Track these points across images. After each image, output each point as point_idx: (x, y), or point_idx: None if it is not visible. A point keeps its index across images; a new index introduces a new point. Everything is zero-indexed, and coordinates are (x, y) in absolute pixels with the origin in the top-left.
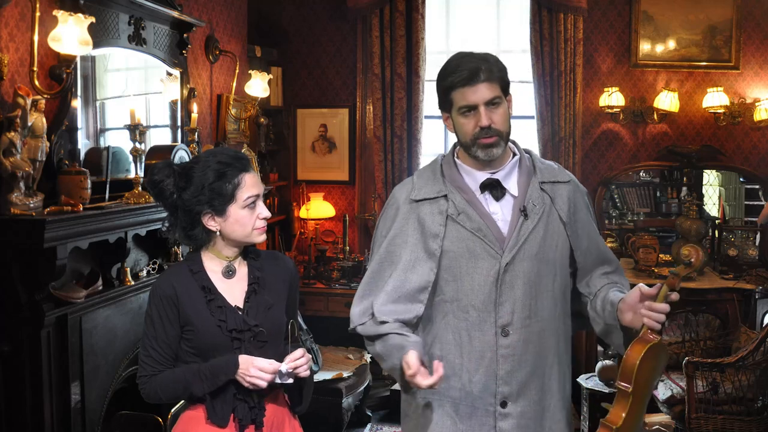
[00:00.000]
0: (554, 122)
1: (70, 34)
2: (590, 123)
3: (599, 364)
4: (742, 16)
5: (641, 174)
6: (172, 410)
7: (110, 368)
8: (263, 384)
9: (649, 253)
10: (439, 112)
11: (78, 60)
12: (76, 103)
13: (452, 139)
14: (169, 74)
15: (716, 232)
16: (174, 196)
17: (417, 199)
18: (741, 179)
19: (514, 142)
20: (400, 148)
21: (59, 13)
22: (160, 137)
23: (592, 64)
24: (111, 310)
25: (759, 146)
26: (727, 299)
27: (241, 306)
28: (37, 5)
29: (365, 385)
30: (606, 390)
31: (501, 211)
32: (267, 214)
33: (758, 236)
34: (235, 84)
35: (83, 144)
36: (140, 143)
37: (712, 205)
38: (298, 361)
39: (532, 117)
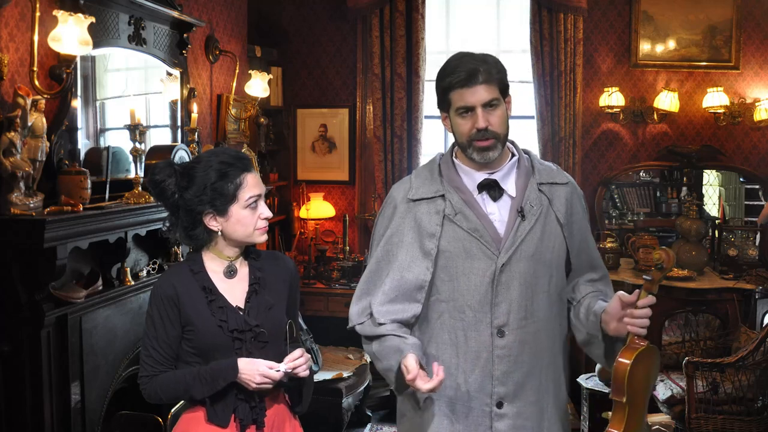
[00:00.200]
0: (554, 122)
1: (70, 34)
2: (590, 123)
3: (599, 365)
4: (742, 16)
5: (641, 174)
6: (172, 410)
7: (110, 368)
8: (269, 386)
9: (649, 253)
10: (439, 112)
11: (78, 60)
12: (76, 103)
13: (452, 138)
14: (169, 74)
15: (716, 232)
16: (175, 195)
17: (414, 198)
18: (741, 179)
19: (513, 143)
20: (400, 148)
21: (59, 13)
22: (160, 137)
23: (592, 64)
24: (111, 310)
25: (759, 146)
26: (727, 299)
27: (242, 306)
28: (37, 5)
29: (365, 385)
30: (606, 390)
31: (498, 212)
32: (268, 214)
33: (758, 236)
34: (235, 84)
35: (83, 144)
36: (140, 143)
37: (712, 205)
38: (297, 361)
39: (532, 117)
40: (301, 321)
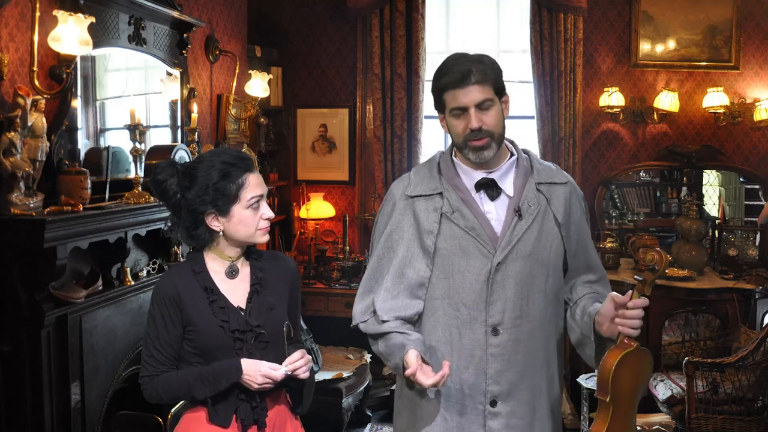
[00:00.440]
0: (554, 122)
1: (70, 34)
2: (590, 123)
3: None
4: (742, 16)
5: (641, 174)
6: (173, 410)
7: (110, 368)
8: (271, 386)
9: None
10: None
11: (78, 60)
12: (76, 103)
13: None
14: (169, 74)
15: (716, 232)
16: (177, 195)
17: (412, 195)
18: (741, 179)
19: (512, 142)
20: (400, 148)
21: (59, 13)
22: (160, 137)
23: (592, 64)
24: (111, 310)
25: (759, 146)
26: (727, 299)
27: (244, 307)
28: (37, 5)
29: (365, 385)
30: None
31: (495, 211)
32: (270, 214)
33: (758, 236)
34: (235, 84)
35: (83, 144)
36: (140, 143)
37: (712, 205)
38: (297, 363)
39: (532, 117)
40: (301, 321)
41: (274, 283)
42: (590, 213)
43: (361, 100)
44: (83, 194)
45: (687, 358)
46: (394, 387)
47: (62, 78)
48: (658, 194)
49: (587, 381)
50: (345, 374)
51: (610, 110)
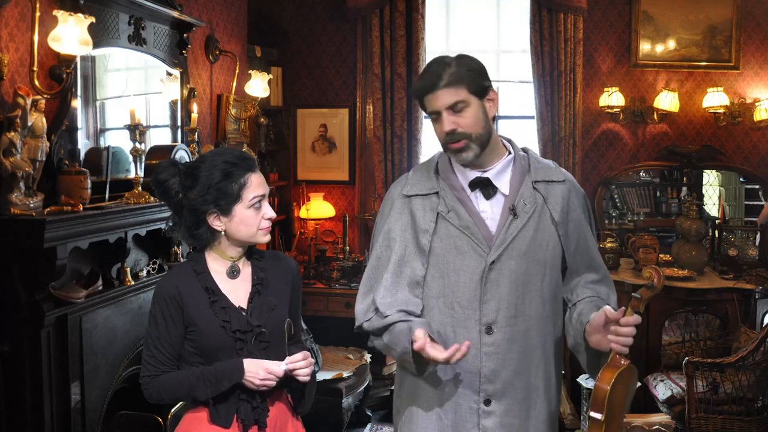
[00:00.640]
0: (554, 122)
1: (70, 34)
2: (590, 123)
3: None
4: (742, 16)
5: (641, 174)
6: (173, 410)
7: (110, 368)
8: (272, 384)
9: (649, 253)
10: None
11: (78, 60)
12: (76, 103)
13: None
14: (169, 74)
15: (716, 232)
16: (179, 195)
17: (409, 194)
18: (741, 179)
19: (510, 141)
20: (400, 148)
21: (59, 13)
22: (160, 137)
23: (592, 64)
24: (111, 310)
25: (759, 146)
26: (727, 299)
27: (245, 307)
28: (37, 5)
29: (365, 385)
30: None
31: (490, 210)
32: (272, 214)
33: (758, 236)
34: (235, 84)
35: (83, 144)
36: (140, 143)
37: (712, 205)
38: (298, 363)
39: (532, 117)
40: (301, 321)
41: (276, 284)
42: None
43: (361, 100)
44: (83, 194)
45: (687, 358)
46: (393, 387)
47: (62, 78)
48: (658, 194)
49: (587, 381)
50: (345, 374)
51: (610, 110)
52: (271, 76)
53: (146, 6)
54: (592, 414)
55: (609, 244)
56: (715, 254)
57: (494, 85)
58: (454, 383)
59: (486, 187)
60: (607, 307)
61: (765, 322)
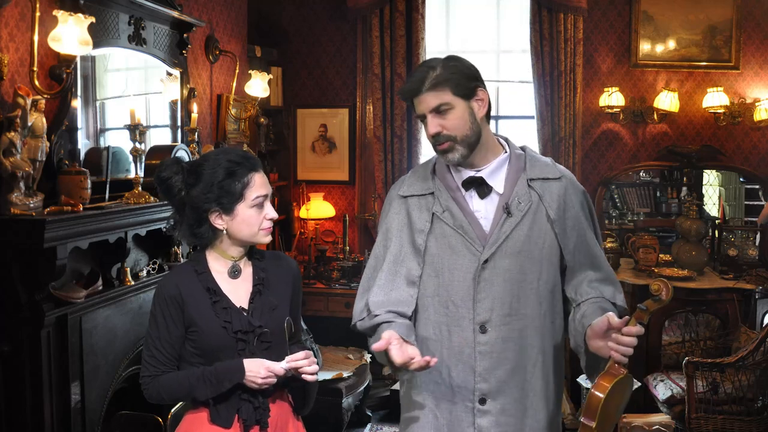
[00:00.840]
0: (554, 122)
1: (70, 34)
2: (590, 123)
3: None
4: (742, 16)
5: (641, 174)
6: (173, 410)
7: (110, 368)
8: (274, 381)
9: (649, 253)
10: None
11: (78, 60)
12: (76, 103)
13: None
14: (169, 74)
15: (716, 232)
16: (182, 193)
17: (405, 195)
18: (741, 179)
19: (506, 139)
20: (400, 148)
21: (59, 13)
22: (160, 137)
23: (592, 64)
24: (111, 310)
25: (759, 146)
26: (727, 299)
27: (246, 307)
28: (37, 5)
29: (365, 385)
30: None
31: (484, 209)
32: (274, 215)
33: (758, 236)
34: (235, 84)
35: (83, 144)
36: (140, 143)
37: (712, 205)
38: (299, 361)
39: (532, 117)
40: (302, 321)
41: (277, 284)
42: None
43: (361, 100)
44: (83, 194)
45: (687, 358)
46: (393, 387)
47: (62, 78)
48: (658, 194)
49: (587, 381)
50: (345, 374)
51: (610, 110)
52: (271, 76)
53: (146, 6)
54: (584, 420)
55: (609, 244)
56: (715, 254)
57: (494, 85)
58: (450, 382)
59: (480, 187)
60: (611, 313)
61: (765, 322)
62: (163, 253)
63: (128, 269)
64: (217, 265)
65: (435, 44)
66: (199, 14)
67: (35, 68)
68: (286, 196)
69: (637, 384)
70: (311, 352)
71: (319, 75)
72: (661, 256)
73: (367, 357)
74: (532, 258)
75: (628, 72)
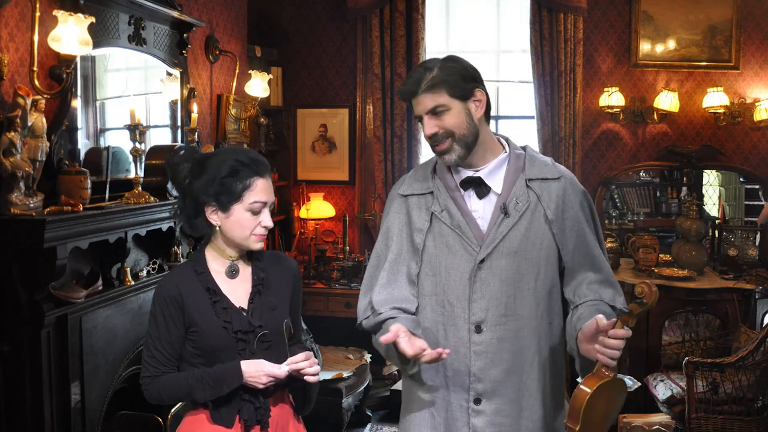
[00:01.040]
0: (554, 122)
1: (70, 34)
2: (590, 123)
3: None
4: (742, 16)
5: (641, 174)
6: (173, 410)
7: (110, 368)
8: (274, 381)
9: (649, 253)
10: None
11: (78, 60)
12: (76, 103)
13: None
14: (169, 74)
15: (716, 232)
16: (186, 181)
17: (405, 194)
18: (741, 179)
19: (507, 139)
20: (400, 148)
21: (59, 13)
22: (160, 137)
23: (592, 64)
24: (111, 310)
25: (759, 146)
26: (727, 299)
27: (246, 307)
28: (37, 5)
29: (365, 385)
30: None
31: (482, 209)
32: (269, 224)
33: (758, 236)
34: (235, 84)
35: (83, 144)
36: (140, 143)
37: (712, 205)
38: (300, 363)
39: (532, 117)
40: (301, 321)
41: (276, 284)
42: None
43: (361, 100)
44: (83, 194)
45: (687, 358)
46: (394, 387)
47: (62, 78)
48: (658, 194)
49: None
50: (345, 374)
51: (610, 110)
52: (271, 76)
53: (146, 6)
54: (568, 423)
55: (609, 244)
56: (715, 254)
57: (494, 85)
58: (446, 382)
59: (479, 187)
60: (600, 316)
61: (765, 322)
62: (163, 253)
63: (128, 269)
64: (216, 264)
65: (435, 44)
66: (199, 14)
67: (35, 68)
68: (286, 196)
69: (637, 384)
70: (311, 353)
71: (319, 75)
72: (661, 256)
73: (367, 357)
74: (530, 258)
75: (628, 72)
